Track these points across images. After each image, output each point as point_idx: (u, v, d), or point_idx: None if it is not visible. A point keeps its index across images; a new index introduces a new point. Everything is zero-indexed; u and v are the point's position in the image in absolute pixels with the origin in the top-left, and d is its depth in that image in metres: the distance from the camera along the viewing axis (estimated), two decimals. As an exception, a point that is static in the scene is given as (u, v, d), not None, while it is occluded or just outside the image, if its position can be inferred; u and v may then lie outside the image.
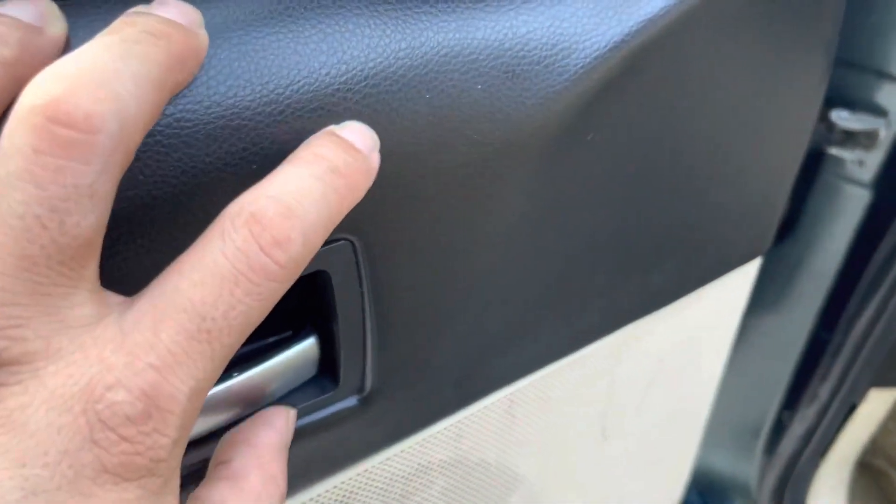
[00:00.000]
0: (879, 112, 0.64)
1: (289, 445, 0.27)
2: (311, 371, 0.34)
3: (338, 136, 0.25)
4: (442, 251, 0.32)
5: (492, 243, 0.33)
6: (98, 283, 0.20)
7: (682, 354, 0.51)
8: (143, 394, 0.19)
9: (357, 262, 0.30)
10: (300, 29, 0.27)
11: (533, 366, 0.41)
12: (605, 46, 0.29)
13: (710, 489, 0.98)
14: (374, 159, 0.25)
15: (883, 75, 0.63)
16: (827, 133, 0.66)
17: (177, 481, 0.21)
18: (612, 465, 0.52)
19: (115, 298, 0.21)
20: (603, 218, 0.37)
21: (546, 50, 0.29)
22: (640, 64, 0.31)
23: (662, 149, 0.36)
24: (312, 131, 0.26)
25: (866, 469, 1.04)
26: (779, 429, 0.84)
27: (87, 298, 0.20)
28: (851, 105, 0.65)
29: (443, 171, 0.30)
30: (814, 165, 0.70)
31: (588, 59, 0.29)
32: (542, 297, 0.37)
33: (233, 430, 0.27)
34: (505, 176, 0.31)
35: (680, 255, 0.42)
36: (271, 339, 0.32)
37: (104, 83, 0.18)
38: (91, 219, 0.19)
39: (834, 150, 0.67)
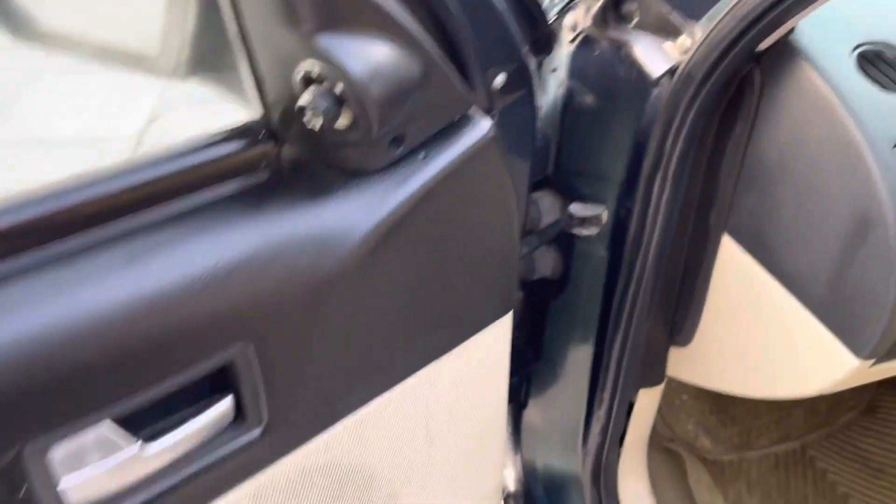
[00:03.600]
0: (601, 201, 0.96)
1: None
2: (231, 417, 0.59)
3: None
4: (303, 339, 0.58)
5: (332, 329, 0.60)
6: None
7: (473, 382, 0.79)
8: None
9: (252, 352, 0.56)
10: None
11: (369, 397, 0.67)
12: (368, 228, 0.57)
13: (551, 484, 1.26)
14: None
15: (599, 178, 0.95)
16: (570, 220, 0.97)
17: None
18: (439, 458, 0.79)
19: None
20: (395, 312, 0.65)
21: (338, 233, 0.57)
22: (393, 231, 0.59)
23: (421, 270, 0.64)
24: None
25: (667, 453, 1.35)
26: (588, 429, 1.13)
27: None
28: (583, 198, 0.96)
29: (295, 300, 0.56)
30: (570, 238, 1.01)
31: (361, 235, 0.57)
32: (366, 355, 0.65)
33: None
34: (328, 298, 0.58)
35: (450, 321, 0.70)
36: (207, 400, 0.57)
37: None
38: None
39: (576, 231, 0.98)
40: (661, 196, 0.88)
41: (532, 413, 1.22)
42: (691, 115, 0.80)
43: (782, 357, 0.84)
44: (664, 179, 0.86)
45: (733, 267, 0.88)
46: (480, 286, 0.71)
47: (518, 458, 1.31)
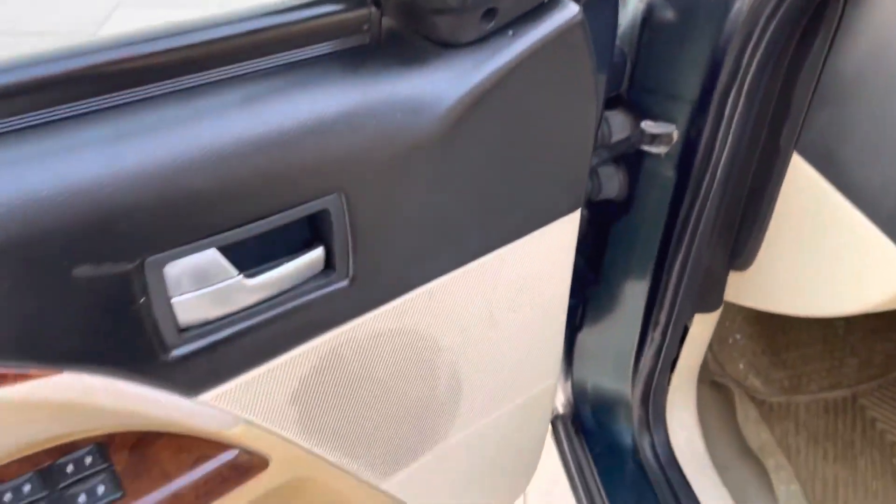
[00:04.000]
0: (672, 120, 0.97)
1: None
2: (320, 266, 0.64)
3: None
4: (390, 198, 0.63)
5: (416, 194, 0.64)
6: None
7: (537, 275, 0.82)
8: None
9: (344, 204, 0.61)
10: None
11: (443, 270, 0.72)
12: (457, 96, 0.61)
13: (600, 405, 1.29)
14: None
15: (672, 97, 0.96)
16: (640, 137, 0.99)
17: None
18: (501, 343, 0.83)
19: None
20: (474, 187, 0.68)
21: (429, 98, 0.61)
22: (479, 103, 0.63)
23: (501, 148, 0.68)
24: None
25: (716, 387, 1.37)
26: (641, 351, 1.16)
27: None
28: (654, 117, 0.98)
29: (385, 159, 0.61)
30: (638, 159, 1.03)
31: (450, 102, 0.61)
32: (443, 227, 0.69)
33: None
34: (415, 160, 0.62)
35: (521, 206, 0.74)
36: (302, 250, 0.62)
37: None
38: None
39: (646, 147, 1.00)
40: (733, 113, 0.89)
41: (586, 336, 1.25)
42: (772, 27, 0.81)
43: (843, 272, 0.85)
44: (738, 96, 0.87)
45: (799, 185, 0.89)
46: (553, 174, 0.74)
47: (568, 383, 1.35)
